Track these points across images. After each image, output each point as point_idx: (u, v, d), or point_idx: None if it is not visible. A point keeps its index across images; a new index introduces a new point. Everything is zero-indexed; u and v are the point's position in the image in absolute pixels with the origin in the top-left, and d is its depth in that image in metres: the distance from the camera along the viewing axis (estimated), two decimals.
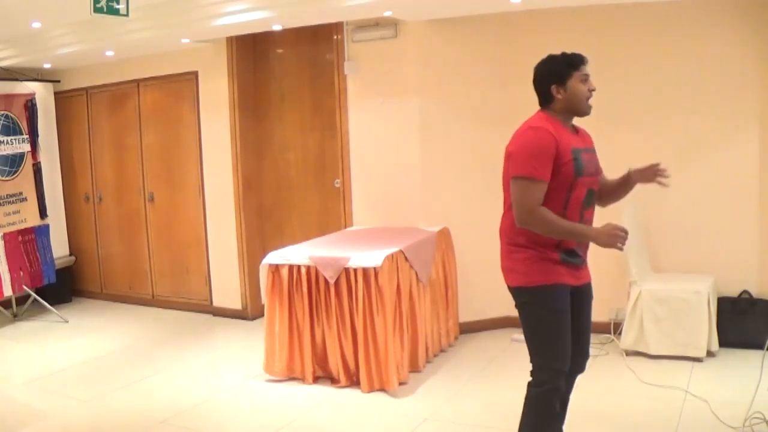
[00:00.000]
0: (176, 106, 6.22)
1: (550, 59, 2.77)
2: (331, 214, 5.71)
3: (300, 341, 4.33)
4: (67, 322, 6.15)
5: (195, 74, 6.02)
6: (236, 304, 6.03)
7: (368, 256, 4.12)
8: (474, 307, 5.19)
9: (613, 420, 3.61)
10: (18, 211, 6.19)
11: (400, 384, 4.16)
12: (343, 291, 4.17)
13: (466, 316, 5.18)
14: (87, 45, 5.56)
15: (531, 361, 2.77)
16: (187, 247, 6.30)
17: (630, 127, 4.81)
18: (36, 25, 5.34)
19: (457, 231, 5.06)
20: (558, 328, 2.70)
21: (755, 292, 4.58)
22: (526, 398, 2.78)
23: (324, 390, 4.24)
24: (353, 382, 4.25)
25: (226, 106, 5.86)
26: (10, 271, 6.05)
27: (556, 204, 2.64)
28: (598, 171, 2.84)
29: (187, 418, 3.93)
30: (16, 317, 6.26)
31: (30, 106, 6.28)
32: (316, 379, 4.35)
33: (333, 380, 4.32)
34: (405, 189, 5.22)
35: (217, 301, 6.16)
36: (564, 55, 2.75)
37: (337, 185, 5.61)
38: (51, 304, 6.31)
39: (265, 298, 4.40)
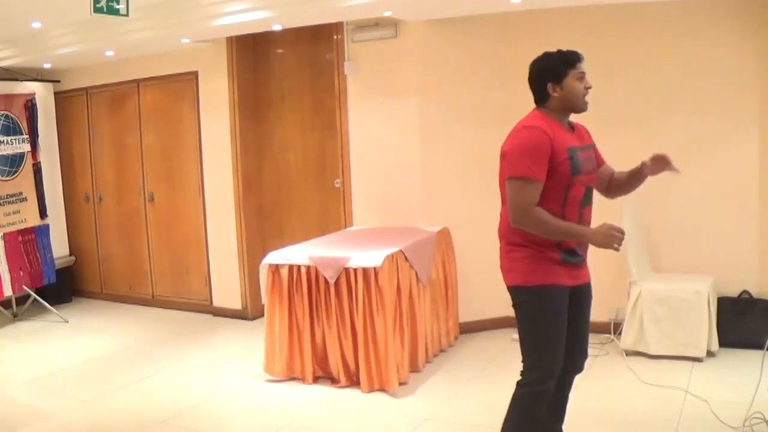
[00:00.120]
0: (176, 106, 6.22)
1: (546, 57, 2.74)
2: (331, 214, 5.71)
3: (300, 341, 4.33)
4: (67, 322, 6.15)
5: (195, 74, 6.03)
6: (236, 304, 6.03)
7: (368, 256, 4.12)
8: (474, 307, 5.19)
9: (613, 420, 3.61)
10: (18, 211, 6.19)
11: (400, 384, 4.16)
12: (343, 291, 4.17)
13: (466, 316, 5.18)
14: (87, 45, 5.56)
15: (522, 360, 2.76)
16: (187, 247, 6.30)
17: (630, 127, 4.81)
18: (36, 25, 5.34)
19: (457, 231, 5.06)
20: (553, 329, 2.69)
21: (755, 292, 4.58)
22: (513, 397, 2.76)
23: (324, 390, 4.24)
24: (353, 382, 4.25)
25: (226, 106, 5.86)
26: (10, 271, 6.05)
27: (553, 203, 2.63)
28: (595, 168, 2.82)
29: (187, 418, 3.93)
30: (16, 317, 6.26)
31: (30, 106, 6.28)
32: (316, 379, 4.35)
33: (333, 380, 4.32)
34: (405, 189, 5.22)
35: (217, 301, 6.16)
36: (560, 52, 2.72)
37: (337, 185, 5.61)
38: (51, 304, 6.31)
39: (265, 298, 4.40)
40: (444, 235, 4.96)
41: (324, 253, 4.30)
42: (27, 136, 6.26)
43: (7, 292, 6.04)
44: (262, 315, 4.65)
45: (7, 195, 6.09)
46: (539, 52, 2.82)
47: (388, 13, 4.82)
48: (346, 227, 5.51)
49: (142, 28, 5.15)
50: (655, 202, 4.79)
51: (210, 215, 6.10)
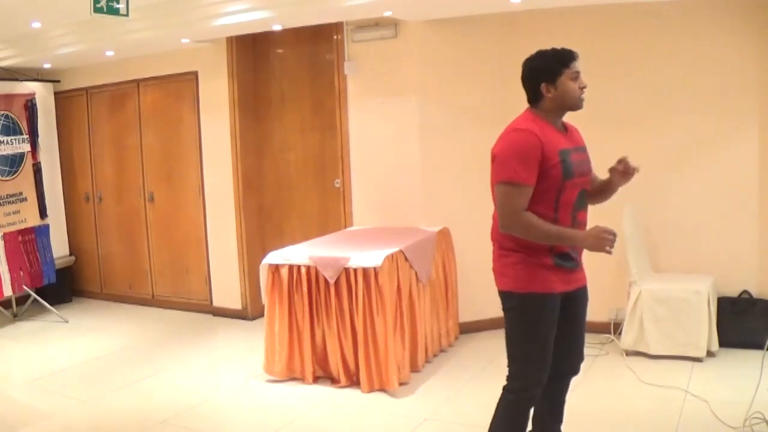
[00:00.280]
0: (176, 106, 6.22)
1: (540, 55, 2.66)
2: (331, 214, 5.71)
3: (300, 341, 4.33)
4: (67, 322, 6.15)
5: (195, 74, 6.03)
6: (236, 304, 6.03)
7: (368, 256, 4.12)
8: (474, 307, 5.19)
9: (613, 420, 3.61)
10: (18, 211, 6.19)
11: (401, 384, 4.16)
12: (343, 291, 4.17)
13: (466, 316, 5.18)
14: (87, 45, 5.56)
15: (508, 365, 2.71)
16: (187, 247, 6.30)
17: (630, 127, 4.81)
18: (36, 25, 5.34)
19: (457, 231, 5.06)
20: (540, 338, 2.63)
21: (755, 292, 4.58)
22: (499, 403, 2.72)
23: (324, 390, 4.24)
24: (353, 382, 4.25)
25: (226, 106, 5.86)
26: (10, 271, 6.05)
27: (545, 207, 2.57)
28: (590, 170, 2.76)
29: (187, 418, 3.93)
30: (16, 317, 6.26)
31: (30, 106, 6.28)
32: (316, 379, 4.35)
33: (333, 380, 4.32)
34: (405, 189, 5.22)
35: (217, 301, 6.16)
36: (554, 51, 2.64)
37: (337, 185, 5.61)
38: (51, 304, 6.31)
39: (265, 298, 4.40)
40: (444, 235, 4.96)
41: (324, 253, 4.30)
42: (27, 136, 6.26)
43: (7, 292, 6.04)
44: (262, 315, 4.65)
45: (7, 195, 6.09)
46: None
47: (388, 13, 4.82)
48: (346, 227, 5.50)
49: (142, 28, 5.15)
50: (655, 202, 4.79)
51: (210, 215, 6.10)
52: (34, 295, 6.26)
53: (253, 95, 6.00)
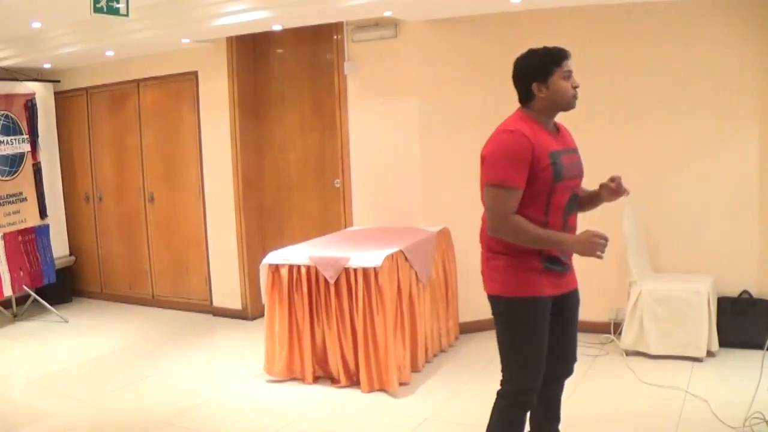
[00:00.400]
0: (176, 106, 6.22)
1: (531, 54, 2.60)
2: (331, 214, 5.71)
3: (300, 341, 4.33)
4: (67, 322, 6.15)
5: (195, 74, 6.03)
6: (236, 304, 6.03)
7: (368, 256, 4.12)
8: (474, 307, 5.18)
9: (613, 420, 3.60)
10: (18, 211, 6.19)
11: (402, 384, 4.16)
12: (343, 291, 4.17)
13: (466, 316, 5.18)
14: (87, 45, 5.56)
15: (502, 370, 2.67)
16: (187, 247, 6.30)
17: (630, 127, 4.81)
18: (36, 25, 5.34)
19: (457, 231, 5.05)
20: (532, 343, 2.58)
21: (755, 292, 4.58)
22: (494, 409, 2.69)
23: (324, 390, 4.24)
24: (353, 382, 4.25)
25: (226, 106, 5.86)
26: (10, 271, 6.05)
27: (535, 210, 2.52)
28: (581, 173, 2.69)
29: (187, 418, 3.93)
30: (16, 317, 6.26)
31: (30, 106, 6.28)
32: (316, 379, 4.35)
33: (333, 380, 4.32)
34: (405, 189, 5.22)
35: (217, 301, 6.16)
36: (545, 49, 2.58)
37: (337, 185, 5.61)
38: (51, 304, 6.31)
39: (265, 298, 4.40)
40: (444, 235, 4.96)
41: (324, 253, 4.30)
42: (27, 136, 6.26)
43: (7, 292, 6.04)
44: (262, 315, 4.65)
45: (7, 195, 6.09)
46: None
47: (388, 13, 4.82)
48: (346, 227, 5.50)
49: (142, 28, 5.15)
50: (655, 202, 4.79)
51: (210, 215, 6.10)
52: (34, 295, 6.26)
53: (253, 95, 6.00)
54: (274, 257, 4.38)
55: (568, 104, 2.59)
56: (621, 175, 2.70)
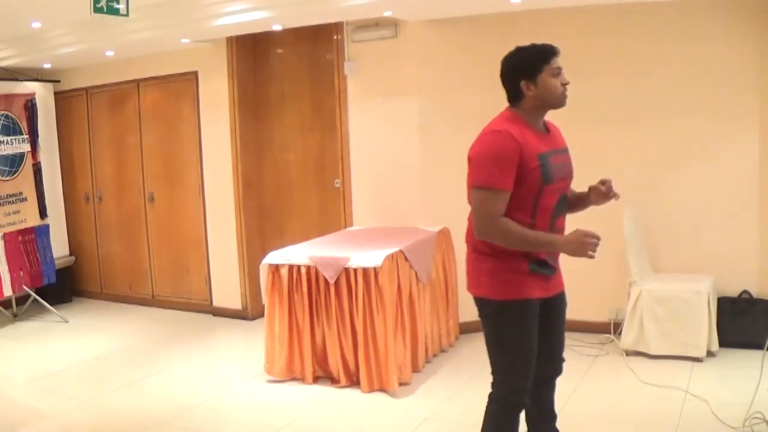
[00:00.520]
0: (176, 106, 6.22)
1: (519, 52, 2.55)
2: (331, 214, 5.71)
3: (300, 341, 4.33)
4: (67, 322, 6.14)
5: (195, 74, 6.03)
6: (236, 304, 6.03)
7: (368, 256, 4.12)
8: (474, 307, 5.17)
9: (613, 420, 3.60)
10: (18, 211, 6.19)
11: (403, 384, 4.16)
12: (343, 291, 4.17)
13: (466, 316, 5.17)
14: (87, 45, 5.56)
15: (492, 372, 2.64)
16: (187, 247, 6.30)
17: (630, 127, 4.81)
18: (36, 25, 5.34)
19: (457, 231, 5.04)
20: (522, 345, 2.55)
21: (755, 292, 4.58)
22: (486, 412, 2.66)
23: (324, 390, 4.24)
24: (353, 382, 4.25)
25: (226, 106, 5.86)
26: (10, 271, 6.05)
27: (522, 213, 2.47)
28: (570, 174, 2.64)
29: (187, 418, 3.93)
30: (16, 317, 6.26)
31: (30, 106, 6.28)
32: (316, 379, 4.35)
33: (333, 380, 4.32)
34: (405, 189, 5.22)
35: (217, 301, 6.16)
36: (533, 47, 2.53)
37: (337, 185, 5.61)
38: (51, 304, 6.31)
39: (265, 298, 4.40)
40: (444, 235, 4.96)
41: (324, 253, 4.30)
42: (27, 136, 6.26)
43: (7, 292, 6.04)
44: (262, 315, 4.65)
45: (7, 195, 6.09)
46: None
47: (388, 13, 4.82)
48: (346, 227, 5.50)
49: (142, 28, 5.15)
50: (655, 202, 4.79)
51: (210, 215, 6.10)
52: (34, 295, 6.25)
53: (253, 95, 6.00)
54: (274, 257, 4.38)
55: (557, 102, 2.53)
56: (611, 177, 2.65)
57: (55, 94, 6.78)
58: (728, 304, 4.53)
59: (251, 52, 5.95)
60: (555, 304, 2.69)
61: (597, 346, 4.70)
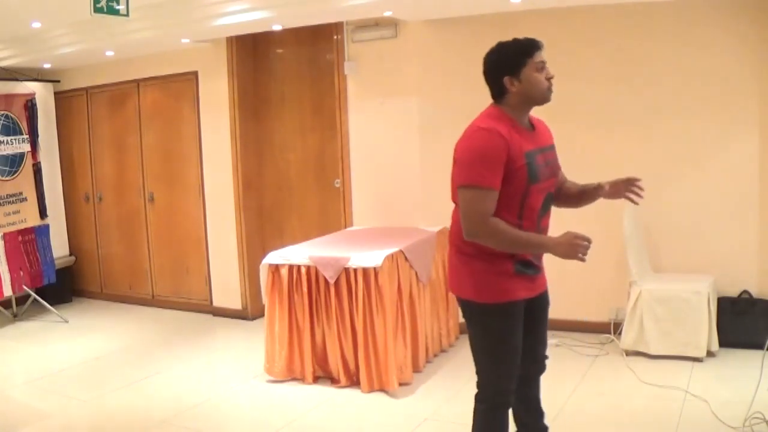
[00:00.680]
0: (176, 106, 6.22)
1: (501, 47, 2.50)
2: (331, 214, 5.71)
3: (300, 341, 4.33)
4: (67, 322, 6.14)
5: (195, 74, 6.03)
6: (236, 304, 6.03)
7: (368, 256, 4.12)
8: None
9: (613, 420, 3.60)
10: (18, 211, 6.19)
11: (404, 384, 4.16)
12: (343, 291, 4.17)
13: None
14: (87, 45, 5.56)
15: (477, 372, 2.61)
16: (187, 247, 6.30)
17: (630, 128, 4.80)
18: (36, 25, 5.34)
19: None
20: (507, 346, 2.52)
21: (755, 292, 4.58)
22: (474, 414, 2.64)
23: (324, 390, 4.24)
24: (353, 382, 4.25)
25: (226, 106, 5.86)
26: (10, 271, 6.05)
27: (508, 214, 2.42)
28: (555, 173, 2.59)
29: (187, 418, 3.93)
30: (16, 317, 6.26)
31: (30, 106, 6.28)
32: (316, 379, 4.35)
33: (333, 380, 4.32)
34: (405, 189, 5.22)
35: (217, 301, 6.16)
36: (516, 41, 2.48)
37: (337, 185, 5.61)
38: (51, 304, 6.31)
39: (265, 298, 4.40)
40: (444, 235, 4.93)
41: (324, 253, 4.30)
42: (27, 136, 6.26)
43: (7, 292, 6.04)
44: (262, 315, 4.65)
45: (7, 195, 6.09)
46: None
47: (388, 13, 4.82)
48: (346, 227, 5.51)
49: (142, 28, 5.15)
50: (655, 202, 4.78)
51: (210, 215, 6.10)
52: (34, 295, 6.26)
53: (253, 95, 6.00)
54: (274, 257, 4.38)
55: (542, 97, 2.48)
56: (613, 177, 2.63)
57: (55, 94, 6.78)
58: (728, 304, 4.53)
59: (251, 52, 5.96)
60: (538, 303, 2.66)
61: (597, 346, 4.70)
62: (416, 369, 4.40)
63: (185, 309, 6.34)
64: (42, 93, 6.51)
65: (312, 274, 4.25)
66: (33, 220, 6.32)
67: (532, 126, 2.58)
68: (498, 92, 2.52)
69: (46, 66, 6.53)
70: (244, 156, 5.89)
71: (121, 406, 4.16)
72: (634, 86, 4.78)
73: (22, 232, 6.22)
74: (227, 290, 6.06)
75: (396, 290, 4.20)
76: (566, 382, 4.10)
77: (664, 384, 3.98)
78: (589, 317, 4.94)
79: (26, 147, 6.26)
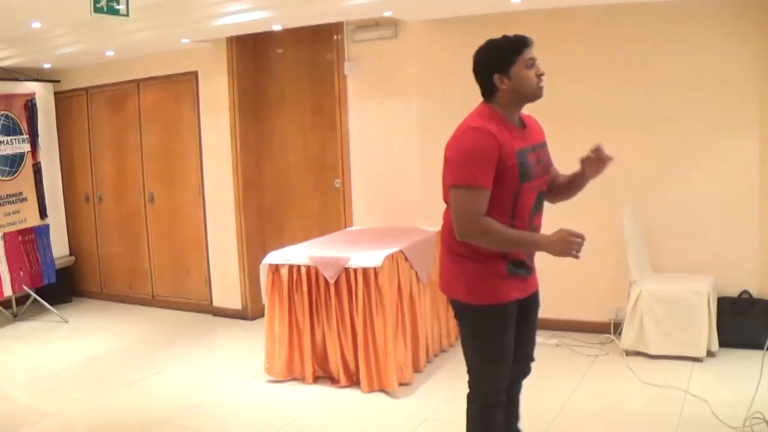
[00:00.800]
0: (176, 106, 6.22)
1: (490, 45, 2.47)
2: (331, 214, 5.72)
3: (300, 341, 4.33)
4: (67, 322, 6.14)
5: (195, 74, 6.03)
6: (236, 304, 6.03)
7: (368, 256, 4.12)
8: None
9: (613, 420, 3.60)
10: (18, 211, 6.19)
11: (405, 384, 4.16)
12: (343, 291, 4.17)
13: None
14: (87, 45, 5.56)
15: (468, 372, 2.60)
16: (187, 247, 6.30)
17: (630, 128, 4.80)
18: (36, 25, 5.34)
19: None
20: (500, 347, 2.51)
21: (755, 292, 4.58)
22: (468, 414, 2.63)
23: (324, 390, 4.24)
24: (353, 382, 4.25)
25: (226, 106, 5.86)
26: (10, 271, 6.05)
27: (501, 214, 2.40)
28: (547, 170, 2.57)
29: (187, 418, 3.93)
30: (16, 317, 6.26)
31: (30, 106, 6.28)
32: (316, 379, 4.35)
33: (333, 380, 4.32)
34: (405, 189, 5.22)
35: (217, 301, 6.16)
36: (505, 38, 2.45)
37: (337, 185, 5.61)
38: (51, 304, 6.31)
39: (265, 298, 4.40)
40: None
41: (324, 253, 4.30)
42: (27, 136, 6.26)
43: (7, 292, 6.04)
44: (262, 315, 4.65)
45: (7, 195, 6.09)
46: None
47: (388, 13, 4.82)
48: (346, 227, 5.51)
49: (142, 28, 5.15)
50: (655, 202, 4.79)
51: (210, 215, 6.10)
52: (34, 295, 6.26)
53: (253, 95, 6.00)
54: (274, 257, 4.38)
55: (533, 94, 2.46)
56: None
57: (55, 94, 6.78)
58: (728, 304, 4.53)
59: (251, 52, 5.96)
60: (530, 304, 2.65)
61: (597, 346, 4.70)
62: (416, 369, 4.40)
63: (185, 309, 6.34)
64: (42, 93, 6.52)
65: (312, 274, 4.25)
66: (33, 220, 6.32)
67: (523, 124, 2.56)
68: (488, 90, 2.50)
69: (46, 66, 6.53)
70: (244, 156, 5.89)
71: (121, 406, 4.16)
72: (634, 86, 4.78)
73: (22, 232, 6.22)
74: (227, 290, 6.06)
75: (396, 290, 4.20)
76: (566, 382, 4.10)
77: (664, 384, 3.98)
78: (589, 317, 4.94)
79: (26, 147, 6.26)
